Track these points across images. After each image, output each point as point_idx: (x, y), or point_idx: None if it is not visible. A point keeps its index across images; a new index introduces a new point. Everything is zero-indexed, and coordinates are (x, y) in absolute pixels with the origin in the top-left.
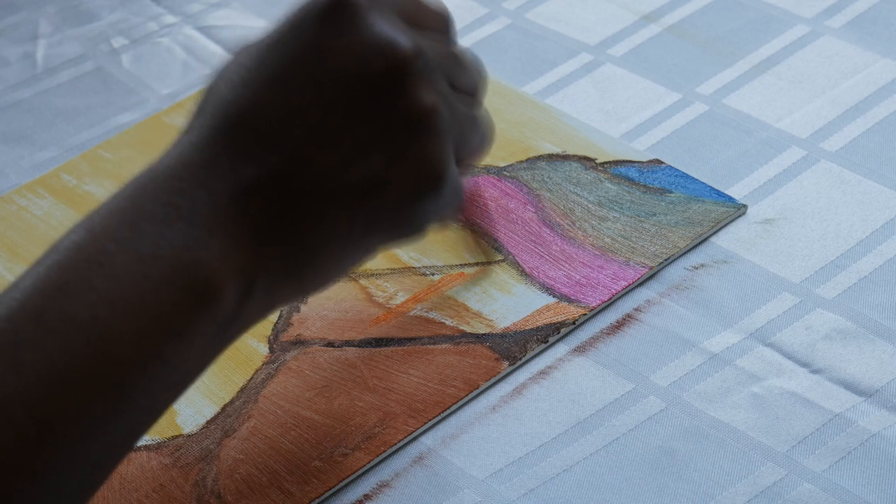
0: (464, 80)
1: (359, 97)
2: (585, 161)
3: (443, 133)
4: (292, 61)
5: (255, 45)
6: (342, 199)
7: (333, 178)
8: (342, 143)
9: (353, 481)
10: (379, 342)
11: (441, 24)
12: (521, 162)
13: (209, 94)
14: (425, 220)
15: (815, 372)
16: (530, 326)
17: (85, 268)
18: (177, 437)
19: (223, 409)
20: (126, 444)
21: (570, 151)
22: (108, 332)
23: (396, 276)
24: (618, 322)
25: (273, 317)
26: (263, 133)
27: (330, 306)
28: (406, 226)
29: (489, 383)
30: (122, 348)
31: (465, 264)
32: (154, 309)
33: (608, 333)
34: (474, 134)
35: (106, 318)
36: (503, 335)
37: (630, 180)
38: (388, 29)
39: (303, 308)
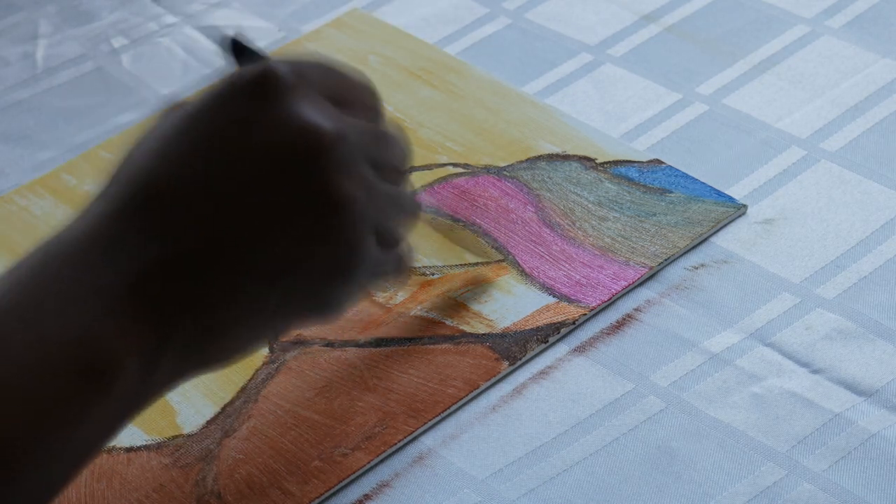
0: (388, 157)
1: (276, 179)
2: (585, 161)
3: (358, 220)
4: (212, 135)
5: (179, 112)
6: (253, 279)
7: (244, 257)
8: (255, 222)
9: (353, 481)
10: (379, 342)
11: (367, 100)
12: (521, 162)
13: (127, 160)
14: (340, 301)
15: (815, 372)
16: (530, 326)
17: None
18: (177, 437)
19: (223, 409)
20: None
21: (570, 151)
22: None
23: None
24: (618, 322)
25: None
26: (175, 208)
27: None
28: (320, 306)
29: (489, 383)
30: (15, 431)
31: (465, 264)
32: (51, 393)
33: (608, 333)
34: (397, 211)
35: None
36: (503, 335)
37: (630, 180)
38: (312, 111)
39: None
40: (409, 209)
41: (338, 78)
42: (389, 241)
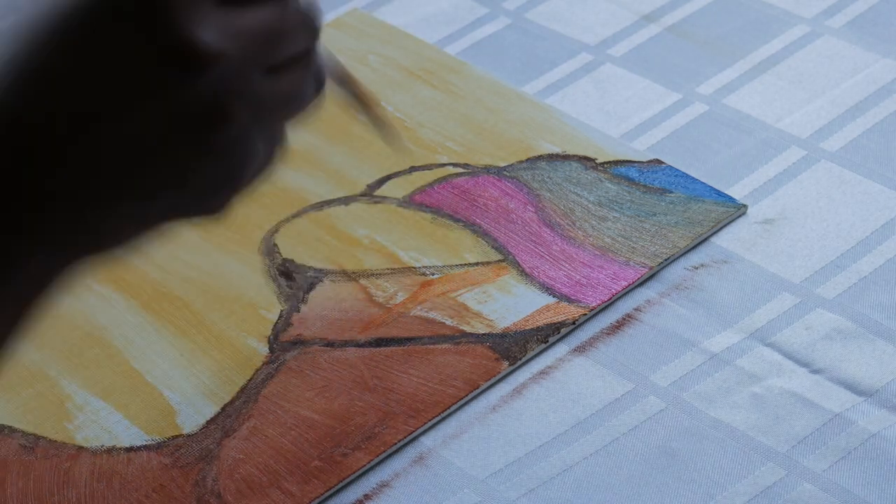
0: (286, 51)
1: (150, 90)
2: (585, 161)
3: (243, 136)
4: (83, 54)
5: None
6: (132, 197)
7: (122, 182)
8: (131, 144)
9: (353, 481)
10: (379, 342)
11: None
12: (521, 162)
13: None
14: (228, 203)
15: (815, 372)
16: (530, 326)
17: None
18: (177, 437)
19: (223, 409)
20: None
21: (570, 151)
22: None
23: (396, 276)
24: (618, 322)
25: (273, 317)
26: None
27: (330, 306)
28: (207, 210)
29: (489, 383)
30: None
31: (465, 264)
32: None
33: (608, 333)
34: (296, 104)
35: None
36: (503, 335)
37: (630, 180)
38: (192, 25)
39: (303, 308)
40: (315, 89)
41: None
42: (280, 136)
